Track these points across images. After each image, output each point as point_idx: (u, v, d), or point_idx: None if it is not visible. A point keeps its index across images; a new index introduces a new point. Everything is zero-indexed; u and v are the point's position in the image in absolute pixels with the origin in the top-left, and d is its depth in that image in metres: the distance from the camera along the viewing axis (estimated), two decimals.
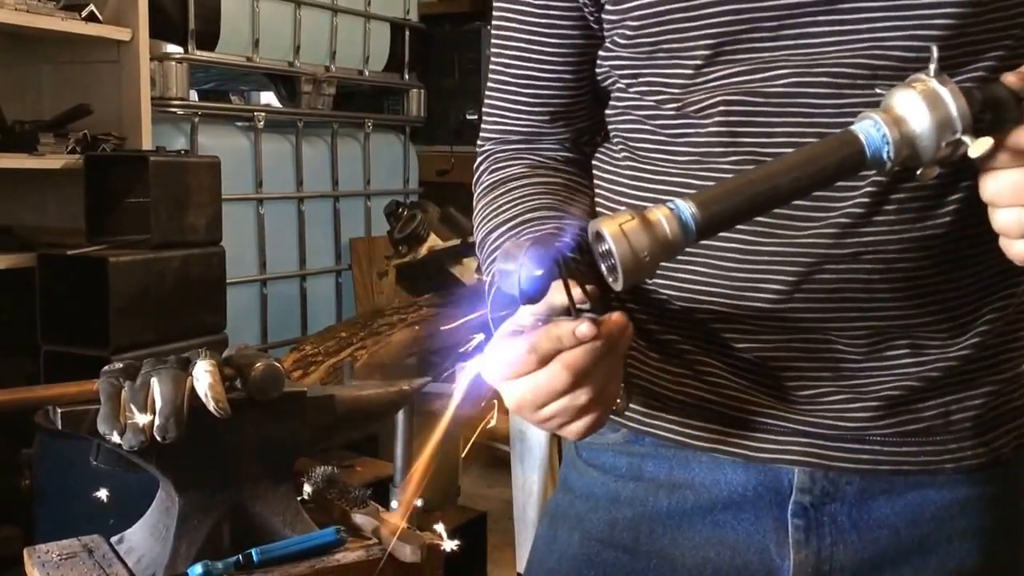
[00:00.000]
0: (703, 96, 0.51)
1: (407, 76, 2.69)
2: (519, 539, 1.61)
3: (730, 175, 0.50)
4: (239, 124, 2.24)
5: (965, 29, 0.48)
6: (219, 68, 2.18)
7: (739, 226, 0.50)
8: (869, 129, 0.40)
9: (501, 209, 0.57)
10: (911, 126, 0.40)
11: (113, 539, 0.73)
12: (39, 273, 1.63)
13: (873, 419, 0.53)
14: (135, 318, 1.58)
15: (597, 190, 0.59)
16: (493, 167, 0.62)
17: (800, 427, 0.54)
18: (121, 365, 0.71)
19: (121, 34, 1.80)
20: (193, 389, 0.68)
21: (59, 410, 0.68)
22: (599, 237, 0.40)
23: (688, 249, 0.52)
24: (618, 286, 0.40)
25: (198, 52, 2.00)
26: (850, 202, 0.50)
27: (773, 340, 0.53)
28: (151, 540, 0.71)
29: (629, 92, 0.55)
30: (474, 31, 2.81)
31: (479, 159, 0.64)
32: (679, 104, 0.52)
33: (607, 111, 0.58)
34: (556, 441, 1.59)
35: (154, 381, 0.68)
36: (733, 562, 0.55)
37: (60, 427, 0.69)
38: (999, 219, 0.41)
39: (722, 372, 0.55)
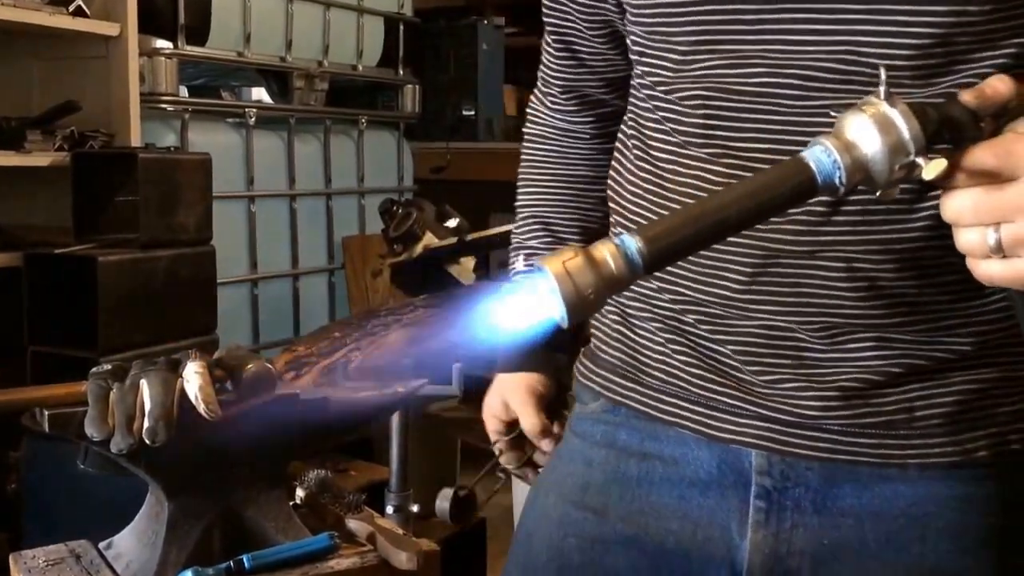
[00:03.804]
0: (686, 85, 0.53)
1: (401, 71, 2.67)
2: None
3: (707, 164, 0.52)
4: (230, 121, 2.22)
5: (949, 38, 0.47)
6: (210, 63, 2.15)
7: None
8: (820, 155, 0.40)
9: (525, 208, 0.69)
10: (863, 150, 0.40)
11: (101, 544, 0.72)
12: (26, 273, 1.60)
13: (828, 408, 0.53)
14: (124, 318, 1.56)
15: (614, 162, 0.62)
16: (538, 135, 0.70)
17: (758, 411, 0.54)
18: (110, 366, 0.69)
19: (109, 29, 1.78)
20: (183, 391, 0.67)
21: (46, 412, 0.67)
22: (543, 274, 0.40)
23: None
24: (564, 323, 0.41)
25: (188, 47, 1.98)
26: (813, 199, 0.49)
27: (736, 326, 0.54)
28: (140, 546, 0.70)
29: (637, 68, 0.57)
30: (470, 25, 2.79)
31: (534, 103, 0.71)
32: (668, 88, 0.54)
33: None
34: None
35: (143, 383, 0.67)
36: (695, 536, 0.56)
37: (47, 430, 0.67)
38: (962, 240, 0.41)
39: (690, 353, 0.56)
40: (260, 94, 2.68)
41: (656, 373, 0.58)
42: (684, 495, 0.56)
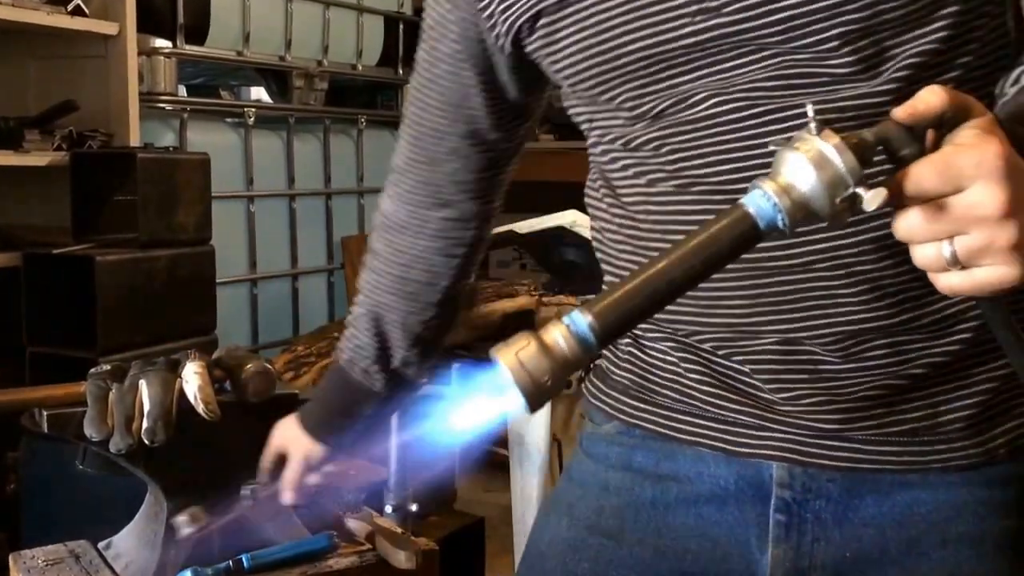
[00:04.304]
0: (642, 133, 0.54)
1: (401, 71, 2.67)
2: (518, 545, 1.59)
3: (678, 196, 0.53)
4: (229, 120, 2.22)
5: (871, 29, 0.48)
6: (208, 63, 2.15)
7: None
8: (759, 201, 0.40)
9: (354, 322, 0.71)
10: (801, 190, 0.39)
11: (100, 544, 0.72)
12: (24, 273, 1.60)
13: (850, 420, 0.53)
14: (123, 319, 1.56)
15: (589, 211, 0.62)
16: (382, 225, 0.70)
17: (779, 426, 0.54)
18: (108, 367, 0.69)
19: (108, 28, 1.78)
20: (182, 391, 0.67)
21: (45, 413, 0.67)
22: (497, 367, 0.40)
23: None
24: (528, 411, 0.41)
25: (187, 46, 1.97)
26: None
27: (749, 346, 0.53)
28: (139, 546, 0.70)
29: (591, 134, 0.58)
30: None
31: (387, 189, 0.70)
32: (626, 141, 0.55)
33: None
34: (556, 445, 1.58)
35: (142, 383, 0.67)
36: (714, 554, 0.56)
37: (46, 430, 0.67)
38: (918, 256, 0.41)
39: (704, 372, 0.56)
40: (259, 94, 2.68)
41: (668, 393, 0.57)
42: (701, 513, 0.56)
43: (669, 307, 0.53)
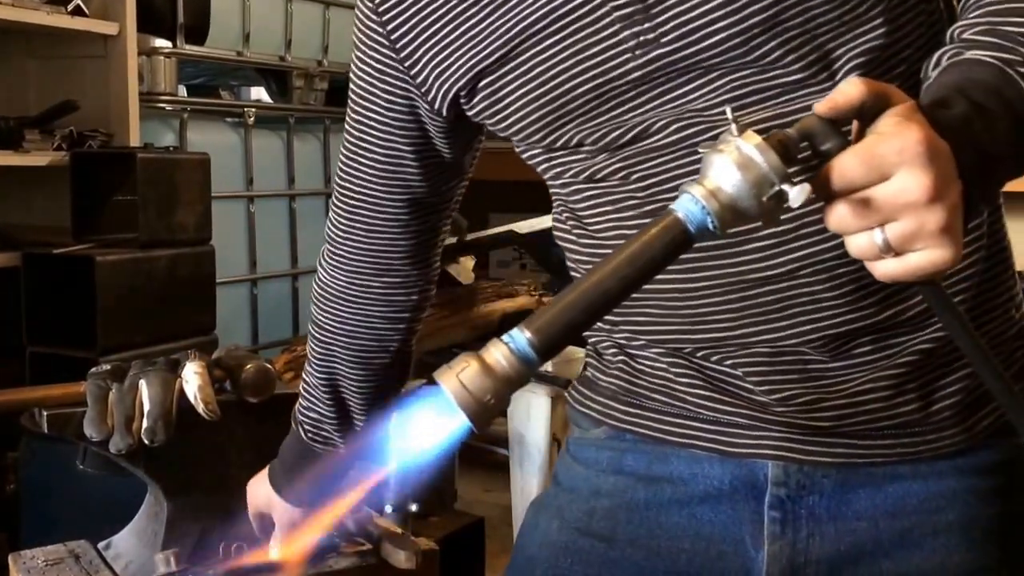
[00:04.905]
0: (606, 167, 0.54)
1: None
2: None
3: (647, 220, 0.53)
4: (229, 120, 2.22)
5: (812, 36, 0.48)
6: (209, 63, 2.15)
7: (671, 266, 0.51)
8: (689, 205, 0.41)
9: (307, 401, 0.70)
10: (727, 192, 0.40)
11: (100, 544, 0.72)
12: (24, 273, 1.60)
13: (844, 417, 0.53)
14: (123, 319, 1.56)
15: (561, 245, 0.62)
16: (322, 296, 0.68)
17: (772, 424, 0.55)
18: (108, 367, 0.70)
19: (108, 28, 1.78)
20: (182, 391, 0.67)
21: (45, 412, 0.67)
22: (440, 390, 0.41)
23: (633, 295, 0.53)
24: (476, 430, 0.41)
25: (187, 46, 1.97)
26: (772, 225, 0.49)
27: (740, 354, 0.54)
28: (139, 546, 0.70)
29: (551, 172, 0.58)
30: None
31: (324, 259, 0.68)
32: (590, 175, 0.55)
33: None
34: (556, 445, 1.58)
35: (142, 383, 0.67)
36: (708, 553, 0.56)
37: (46, 430, 0.68)
38: (852, 247, 0.41)
39: (695, 376, 0.56)
40: (259, 93, 2.68)
41: (658, 397, 0.58)
42: (695, 513, 0.57)
43: (656, 324, 0.55)
